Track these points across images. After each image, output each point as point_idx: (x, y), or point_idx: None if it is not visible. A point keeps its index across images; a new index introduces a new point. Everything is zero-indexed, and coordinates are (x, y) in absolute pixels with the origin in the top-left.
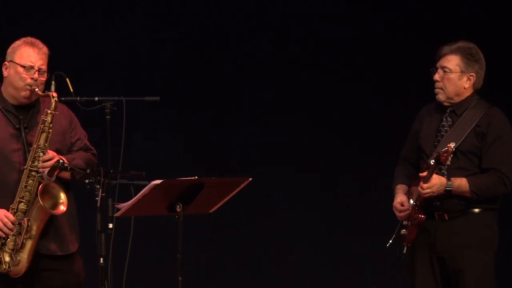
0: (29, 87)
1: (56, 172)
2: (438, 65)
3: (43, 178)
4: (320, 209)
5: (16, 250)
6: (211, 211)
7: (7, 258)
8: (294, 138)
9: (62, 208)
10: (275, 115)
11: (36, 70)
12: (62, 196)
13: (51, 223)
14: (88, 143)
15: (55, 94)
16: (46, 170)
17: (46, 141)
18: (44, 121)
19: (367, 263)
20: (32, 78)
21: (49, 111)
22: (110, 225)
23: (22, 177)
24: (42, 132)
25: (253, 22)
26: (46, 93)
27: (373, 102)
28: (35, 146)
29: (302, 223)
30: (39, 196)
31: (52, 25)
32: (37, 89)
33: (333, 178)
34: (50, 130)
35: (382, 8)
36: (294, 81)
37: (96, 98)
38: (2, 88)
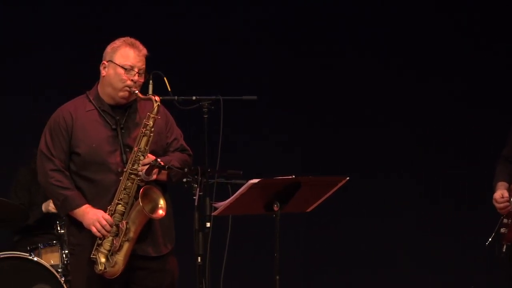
0: (128, 89)
1: (154, 172)
2: None
3: (142, 181)
4: (415, 210)
5: (113, 251)
6: (308, 210)
7: (102, 259)
8: (393, 141)
9: (161, 212)
10: (375, 115)
11: (136, 72)
12: (162, 201)
13: (147, 225)
14: (184, 143)
15: (157, 98)
16: (144, 170)
17: (146, 144)
18: (146, 125)
19: (466, 262)
20: (131, 80)
21: (151, 115)
22: (208, 224)
23: (122, 180)
24: (143, 136)
25: (355, 21)
26: (148, 96)
27: (463, 107)
28: (136, 149)
29: (398, 225)
30: (140, 199)
31: (147, 24)
32: (136, 90)
33: (429, 180)
34: (152, 134)
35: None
36: (393, 85)
37: (194, 97)
38: (99, 87)
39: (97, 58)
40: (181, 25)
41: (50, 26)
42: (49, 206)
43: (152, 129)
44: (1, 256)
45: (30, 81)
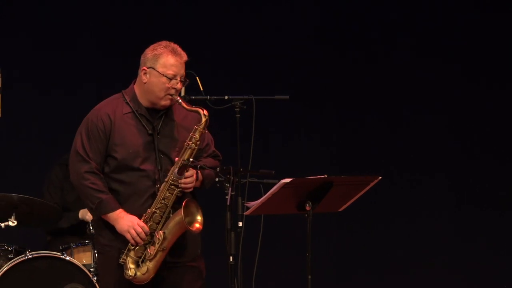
0: (170, 97)
1: (186, 171)
2: None
3: (181, 193)
4: (448, 212)
5: (145, 259)
6: (340, 210)
7: (131, 265)
8: (426, 141)
9: (198, 226)
10: (408, 116)
11: (179, 80)
12: (199, 216)
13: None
14: (215, 149)
15: (206, 112)
16: (188, 185)
17: (190, 156)
18: (191, 138)
19: (500, 265)
20: (174, 88)
21: (199, 129)
22: (240, 224)
23: (161, 189)
24: (188, 148)
25: (387, 19)
26: (196, 109)
27: (500, 109)
28: (179, 161)
29: (430, 227)
30: (182, 211)
31: (179, 24)
32: (180, 99)
33: (463, 182)
34: (196, 147)
35: None
36: (428, 86)
37: (226, 97)
38: (137, 90)
39: (130, 56)
40: (212, 24)
41: (83, 21)
42: (87, 215)
43: (198, 142)
44: (34, 255)
45: (63, 78)
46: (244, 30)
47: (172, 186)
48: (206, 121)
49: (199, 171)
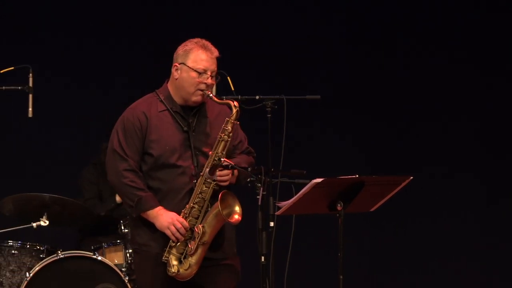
0: (201, 92)
1: (217, 171)
2: None
3: (217, 186)
4: (479, 211)
5: (188, 254)
6: (372, 209)
7: (174, 262)
8: (457, 140)
9: (237, 217)
10: (438, 115)
11: (209, 75)
12: (237, 207)
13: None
14: (249, 146)
15: (236, 104)
16: (224, 178)
17: (224, 149)
18: (224, 130)
19: None
20: (204, 83)
21: (230, 120)
22: (271, 224)
23: (198, 183)
24: (221, 141)
25: (420, 22)
26: (226, 101)
27: None
28: (213, 154)
29: (461, 226)
30: (219, 204)
31: (212, 23)
32: (211, 94)
33: (494, 181)
34: (229, 139)
35: None
36: (457, 85)
37: (257, 97)
38: (171, 88)
39: (165, 55)
40: (244, 25)
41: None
42: None
43: (231, 134)
44: (66, 255)
45: (95, 77)
46: (276, 30)
47: (209, 180)
48: (237, 112)
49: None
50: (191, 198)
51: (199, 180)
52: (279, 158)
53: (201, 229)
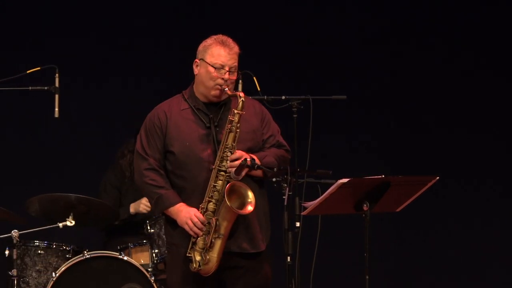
0: (219, 87)
1: (244, 171)
2: None
3: (231, 178)
4: (504, 216)
5: (206, 249)
6: (398, 210)
7: (197, 257)
8: (478, 144)
9: (250, 208)
10: (461, 118)
11: (227, 70)
12: (250, 195)
13: (243, 220)
14: (281, 139)
15: (242, 94)
16: (234, 169)
17: (234, 140)
18: (231, 121)
19: None
20: (222, 78)
21: (236, 111)
22: (297, 224)
23: (211, 177)
24: (229, 132)
25: (446, 21)
26: (234, 92)
27: None
28: (222, 146)
29: (488, 230)
30: (225, 196)
31: (237, 23)
32: (226, 88)
33: None
34: (238, 130)
35: None
36: (481, 88)
37: (283, 97)
38: (194, 86)
39: (191, 55)
40: (271, 25)
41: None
42: (139, 207)
43: (238, 125)
44: (92, 255)
45: (121, 78)
46: (301, 30)
47: (221, 172)
48: (242, 102)
49: (256, 159)
50: (206, 192)
51: (212, 173)
52: (305, 158)
53: (215, 222)
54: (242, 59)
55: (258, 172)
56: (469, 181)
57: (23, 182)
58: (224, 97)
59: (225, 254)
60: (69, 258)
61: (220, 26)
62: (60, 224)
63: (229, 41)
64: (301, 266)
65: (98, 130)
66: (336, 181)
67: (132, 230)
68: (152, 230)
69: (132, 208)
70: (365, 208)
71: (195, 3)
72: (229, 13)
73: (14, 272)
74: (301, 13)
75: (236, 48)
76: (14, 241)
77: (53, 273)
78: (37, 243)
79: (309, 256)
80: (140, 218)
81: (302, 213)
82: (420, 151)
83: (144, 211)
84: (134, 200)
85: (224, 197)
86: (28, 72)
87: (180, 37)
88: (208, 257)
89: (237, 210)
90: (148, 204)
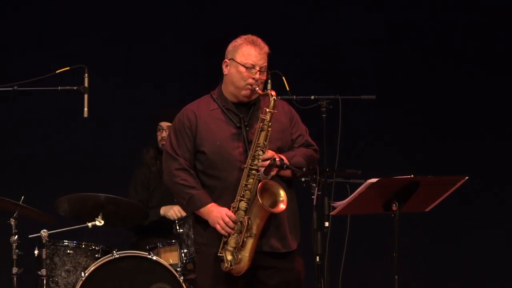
0: (249, 87)
1: (272, 171)
2: None
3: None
4: None
5: (238, 248)
6: (427, 209)
7: (229, 257)
8: (503, 146)
9: (282, 206)
10: (488, 119)
11: (258, 70)
12: (282, 194)
13: (273, 220)
14: (309, 139)
15: (273, 93)
16: (263, 169)
17: (265, 139)
18: (263, 120)
19: None
20: (253, 78)
21: (268, 110)
22: (326, 224)
23: (243, 176)
24: (261, 131)
25: (472, 23)
26: (266, 92)
27: None
28: (253, 145)
29: None
30: (258, 195)
31: (267, 24)
32: (257, 88)
33: None
34: (269, 129)
35: None
36: (506, 90)
37: (312, 97)
38: (222, 86)
39: (218, 55)
40: (300, 25)
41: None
42: (169, 212)
43: (270, 124)
44: (121, 255)
45: (149, 77)
46: (331, 30)
47: (253, 171)
48: (274, 101)
49: (285, 159)
50: (238, 191)
51: (243, 172)
52: (334, 158)
53: (247, 221)
54: (272, 58)
55: (287, 172)
56: (497, 181)
57: (53, 182)
58: (254, 97)
59: (257, 253)
60: (98, 258)
61: (247, 26)
62: (89, 224)
63: (259, 41)
64: (330, 266)
65: (126, 130)
66: (365, 181)
67: (161, 230)
68: (181, 230)
69: (162, 211)
70: (394, 208)
71: (221, 2)
72: (256, 12)
73: (43, 271)
74: (329, 13)
75: (266, 48)
76: (44, 241)
77: (82, 273)
78: (66, 243)
79: (338, 256)
80: (169, 218)
81: (331, 213)
82: (449, 151)
83: (172, 218)
84: (162, 199)
85: (256, 195)
86: (57, 72)
87: (207, 38)
88: (240, 256)
89: (269, 208)
90: (178, 213)
